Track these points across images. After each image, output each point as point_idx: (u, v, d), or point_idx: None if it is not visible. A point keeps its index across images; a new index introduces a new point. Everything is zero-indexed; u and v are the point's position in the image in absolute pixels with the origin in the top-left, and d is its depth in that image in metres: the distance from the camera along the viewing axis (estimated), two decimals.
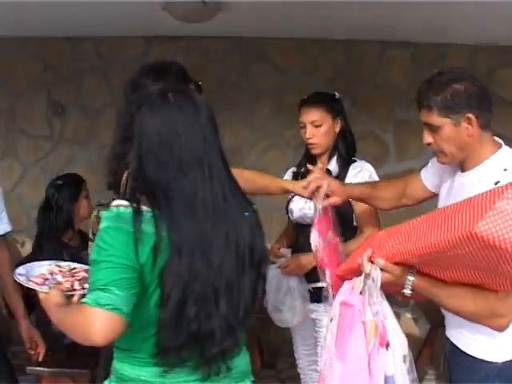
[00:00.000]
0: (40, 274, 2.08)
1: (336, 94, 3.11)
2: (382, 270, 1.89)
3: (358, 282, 1.94)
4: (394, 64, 5.26)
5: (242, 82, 5.26)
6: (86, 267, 2.14)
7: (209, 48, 5.23)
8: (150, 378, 1.74)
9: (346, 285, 2.00)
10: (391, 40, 5.17)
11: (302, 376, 3.31)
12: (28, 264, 2.16)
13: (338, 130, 3.05)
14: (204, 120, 1.75)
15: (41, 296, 1.88)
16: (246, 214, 1.83)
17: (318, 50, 5.24)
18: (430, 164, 2.52)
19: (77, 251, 3.56)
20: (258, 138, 5.23)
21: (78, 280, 2.05)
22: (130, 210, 1.66)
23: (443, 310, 2.22)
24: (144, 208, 1.67)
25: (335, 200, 2.46)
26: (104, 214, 1.69)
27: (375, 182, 2.85)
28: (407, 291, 1.93)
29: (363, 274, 1.92)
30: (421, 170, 2.57)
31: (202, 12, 3.77)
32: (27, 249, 4.81)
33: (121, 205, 1.68)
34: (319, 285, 2.83)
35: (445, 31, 4.84)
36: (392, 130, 5.24)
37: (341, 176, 2.97)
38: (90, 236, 3.20)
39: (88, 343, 1.62)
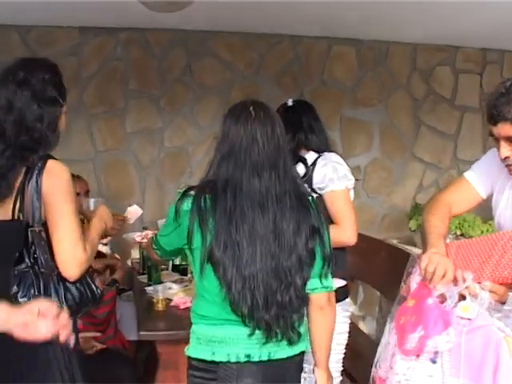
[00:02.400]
0: None
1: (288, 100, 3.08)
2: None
3: (466, 305, 1.94)
4: (340, 61, 5.20)
5: (186, 78, 4.95)
6: None
7: (151, 41, 4.87)
8: (222, 338, 2.10)
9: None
10: (337, 36, 5.11)
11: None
12: None
13: None
14: (277, 130, 2.14)
15: None
16: (309, 201, 2.19)
17: (265, 46, 5.05)
18: (477, 172, 2.41)
19: None
20: (203, 137, 4.93)
21: None
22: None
23: None
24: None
25: None
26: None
27: (436, 225, 2.67)
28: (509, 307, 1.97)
29: (467, 298, 1.94)
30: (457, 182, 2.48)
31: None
32: None
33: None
34: None
35: (386, 29, 4.86)
36: (339, 127, 5.17)
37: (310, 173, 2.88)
38: None
39: None
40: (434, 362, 1.98)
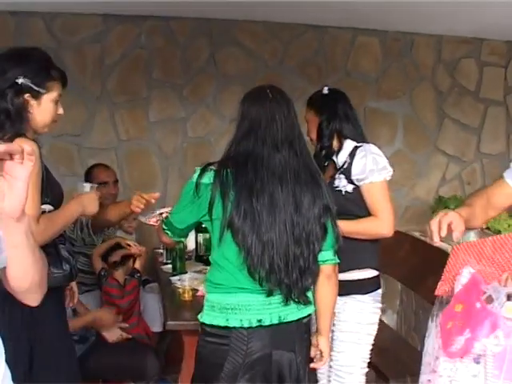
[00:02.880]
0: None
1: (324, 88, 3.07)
2: None
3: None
4: (365, 51, 5.16)
5: (210, 67, 4.92)
6: None
7: (175, 30, 4.83)
8: (236, 305, 2.22)
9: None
10: (361, 27, 5.06)
11: None
12: None
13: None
14: (292, 110, 2.33)
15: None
16: (323, 181, 2.34)
17: (289, 35, 5.00)
18: None
19: None
20: (226, 127, 4.85)
21: None
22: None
23: None
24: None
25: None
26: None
27: (468, 200, 2.66)
28: None
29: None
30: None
31: None
32: None
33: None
34: (341, 277, 2.66)
35: (411, 21, 4.81)
36: (363, 118, 5.11)
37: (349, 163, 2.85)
38: None
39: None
40: (477, 362, 1.97)
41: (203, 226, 3.31)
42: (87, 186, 2.64)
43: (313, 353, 2.40)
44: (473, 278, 2.14)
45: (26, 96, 2.27)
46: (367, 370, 2.91)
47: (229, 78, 4.92)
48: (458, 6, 4.22)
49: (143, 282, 4.00)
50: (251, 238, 2.16)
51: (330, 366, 2.88)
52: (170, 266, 3.81)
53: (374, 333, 2.86)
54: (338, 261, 2.39)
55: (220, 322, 2.23)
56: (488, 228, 4.26)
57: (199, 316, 2.32)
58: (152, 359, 3.46)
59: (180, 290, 3.24)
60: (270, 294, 2.21)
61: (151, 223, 3.07)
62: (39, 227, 2.20)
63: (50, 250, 2.31)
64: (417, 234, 4.72)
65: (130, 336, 3.51)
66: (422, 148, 5.31)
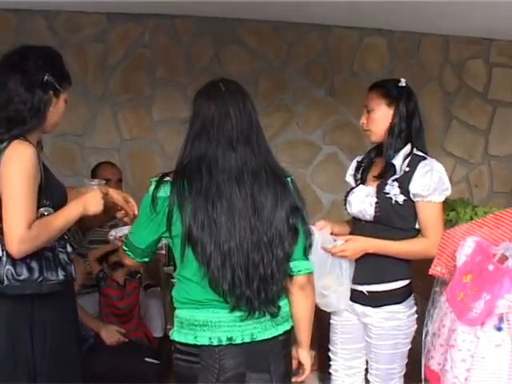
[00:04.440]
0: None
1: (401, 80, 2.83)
2: None
3: None
4: (371, 52, 5.10)
5: (214, 66, 4.86)
6: None
7: (178, 28, 4.78)
8: (204, 322, 2.09)
9: None
10: (368, 27, 5.00)
11: (334, 378, 3.05)
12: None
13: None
14: (249, 104, 2.11)
15: None
16: (288, 180, 2.16)
17: (294, 35, 4.95)
18: None
19: None
20: None
21: None
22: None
23: None
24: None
25: None
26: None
27: None
28: None
29: None
30: None
31: None
32: None
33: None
34: (375, 288, 2.69)
35: (419, 21, 4.75)
36: None
37: (408, 174, 2.70)
38: None
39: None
40: (499, 329, 1.94)
41: None
42: (94, 183, 2.52)
43: (294, 365, 2.30)
44: (478, 245, 2.18)
45: (50, 93, 2.30)
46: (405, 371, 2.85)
47: (233, 78, 4.81)
48: (466, 6, 4.16)
49: (145, 287, 3.95)
50: (210, 248, 2.01)
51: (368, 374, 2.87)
52: (171, 267, 3.76)
53: (411, 337, 2.77)
54: (312, 270, 2.22)
55: (189, 339, 2.11)
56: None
57: (170, 333, 2.21)
58: (150, 362, 3.41)
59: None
60: (233, 308, 2.07)
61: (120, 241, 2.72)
62: (30, 233, 2.17)
63: (48, 254, 2.28)
64: None
65: (126, 340, 3.45)
66: (429, 149, 5.17)
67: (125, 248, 2.26)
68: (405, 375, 2.80)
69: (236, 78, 4.90)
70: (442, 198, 2.62)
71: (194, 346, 2.10)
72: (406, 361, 2.80)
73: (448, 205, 4.77)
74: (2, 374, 2.26)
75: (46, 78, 2.28)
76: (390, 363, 2.76)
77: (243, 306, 2.07)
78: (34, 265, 2.24)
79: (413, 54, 5.15)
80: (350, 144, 5.02)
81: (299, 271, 2.16)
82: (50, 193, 2.31)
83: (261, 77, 4.83)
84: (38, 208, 2.26)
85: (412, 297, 2.77)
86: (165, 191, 2.06)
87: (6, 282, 2.19)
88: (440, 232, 2.65)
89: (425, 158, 2.67)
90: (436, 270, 2.42)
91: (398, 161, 2.71)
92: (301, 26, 4.93)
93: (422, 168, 2.63)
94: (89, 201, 2.37)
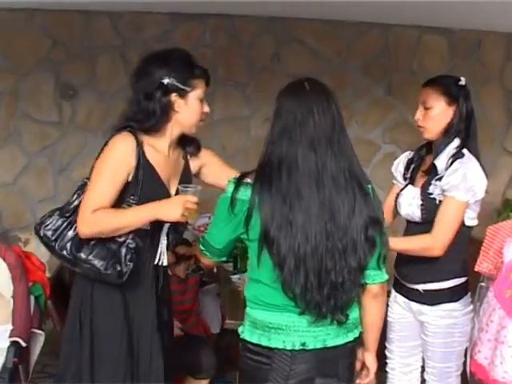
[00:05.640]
0: None
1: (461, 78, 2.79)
2: None
3: None
4: (431, 50, 5.06)
5: (274, 65, 4.91)
6: None
7: (239, 28, 4.85)
8: (279, 325, 2.09)
9: None
10: (427, 25, 4.96)
11: (390, 376, 3.06)
12: None
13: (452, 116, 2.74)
14: (333, 103, 2.06)
15: None
16: (369, 188, 2.11)
17: (354, 34, 4.96)
18: None
19: None
20: None
21: None
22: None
23: None
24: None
25: None
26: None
27: None
28: None
29: None
30: None
31: None
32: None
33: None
34: (431, 287, 2.70)
35: (482, 19, 4.68)
36: None
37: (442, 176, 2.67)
38: None
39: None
40: None
41: None
42: (189, 189, 2.37)
43: (358, 367, 2.31)
44: None
45: (173, 96, 2.34)
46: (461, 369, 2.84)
47: (292, 77, 4.82)
48: None
49: (200, 285, 4.02)
50: (284, 250, 1.99)
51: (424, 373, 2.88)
52: (230, 264, 3.82)
53: (468, 335, 2.75)
54: (387, 277, 2.20)
55: (262, 341, 2.11)
56: None
57: (240, 330, 2.22)
58: (209, 354, 3.46)
59: (240, 290, 3.22)
60: (302, 313, 2.07)
61: (199, 231, 2.94)
62: (92, 217, 2.25)
63: (111, 245, 2.32)
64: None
65: (182, 333, 3.52)
66: (489, 148, 5.13)
67: (202, 248, 2.27)
68: None
69: (295, 77, 4.97)
70: (466, 198, 2.57)
71: (267, 347, 2.10)
72: (463, 359, 2.78)
73: (508, 205, 4.73)
74: None
75: (164, 81, 2.31)
76: (446, 361, 2.76)
77: (312, 310, 2.06)
78: (94, 248, 2.32)
79: (473, 53, 5.08)
80: (408, 142, 4.96)
81: (373, 280, 2.16)
82: (139, 191, 2.33)
83: (320, 76, 4.80)
84: (121, 202, 2.33)
85: (469, 295, 2.75)
86: (245, 193, 2.04)
87: (69, 257, 2.32)
88: (447, 232, 2.58)
89: (463, 156, 2.64)
90: (482, 266, 2.39)
91: (443, 160, 2.69)
92: (360, 25, 4.93)
93: (454, 165, 2.62)
94: (164, 206, 2.32)
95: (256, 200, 2.01)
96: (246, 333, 2.17)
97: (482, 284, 2.49)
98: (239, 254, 3.69)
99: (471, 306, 2.76)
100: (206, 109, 2.46)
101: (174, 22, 4.76)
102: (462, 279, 2.71)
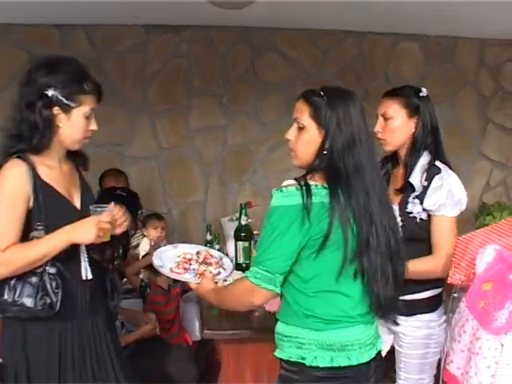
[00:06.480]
0: (178, 264, 2.53)
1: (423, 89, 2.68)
2: None
3: None
4: (405, 57, 5.11)
5: (250, 75, 4.94)
6: (210, 251, 2.63)
7: (214, 38, 4.87)
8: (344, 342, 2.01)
9: None
10: (402, 32, 5.01)
11: None
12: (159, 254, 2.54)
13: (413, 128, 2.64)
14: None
15: (193, 286, 2.39)
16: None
17: (329, 42, 5.00)
18: None
19: None
20: (267, 135, 4.93)
21: (213, 264, 2.53)
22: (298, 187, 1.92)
23: None
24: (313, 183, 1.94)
25: None
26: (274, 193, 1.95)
27: None
28: None
29: None
30: None
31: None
32: None
33: (290, 184, 1.94)
34: (408, 297, 2.60)
35: (455, 24, 4.73)
36: None
37: (425, 189, 2.58)
38: None
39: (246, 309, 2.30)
40: None
41: (243, 234, 3.36)
42: (98, 209, 2.26)
43: None
44: (499, 253, 2.15)
45: (55, 109, 2.15)
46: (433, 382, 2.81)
47: (269, 86, 4.93)
48: (502, 7, 4.12)
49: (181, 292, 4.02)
50: (368, 262, 1.97)
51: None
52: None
53: (441, 346, 2.67)
54: None
55: (341, 361, 1.99)
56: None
57: (293, 356, 2.03)
58: (189, 364, 3.46)
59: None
60: (373, 320, 2.11)
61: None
62: (3, 256, 2.09)
63: (32, 279, 2.17)
64: None
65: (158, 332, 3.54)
66: (466, 153, 5.21)
67: (259, 283, 1.96)
68: None
69: (272, 86, 5.03)
70: (456, 212, 2.53)
71: (348, 367, 2.00)
72: (435, 371, 2.74)
73: (485, 209, 4.76)
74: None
75: (47, 92, 2.12)
76: (420, 373, 2.71)
77: (387, 318, 2.16)
78: (17, 287, 2.14)
79: (448, 58, 5.13)
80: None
81: None
82: (43, 215, 2.17)
83: (296, 84, 4.87)
84: (29, 231, 2.15)
85: (443, 306, 2.72)
86: (319, 198, 1.92)
87: None
88: (447, 249, 2.51)
89: (440, 171, 2.55)
90: (455, 278, 2.36)
91: (416, 176, 2.59)
92: (335, 33, 4.97)
93: (435, 182, 2.53)
94: (78, 229, 2.17)
95: (335, 207, 1.90)
96: (311, 359, 2.00)
97: (454, 295, 2.47)
98: None
99: (445, 317, 2.71)
100: (93, 126, 2.26)
101: (149, 34, 4.77)
102: (439, 290, 2.68)
